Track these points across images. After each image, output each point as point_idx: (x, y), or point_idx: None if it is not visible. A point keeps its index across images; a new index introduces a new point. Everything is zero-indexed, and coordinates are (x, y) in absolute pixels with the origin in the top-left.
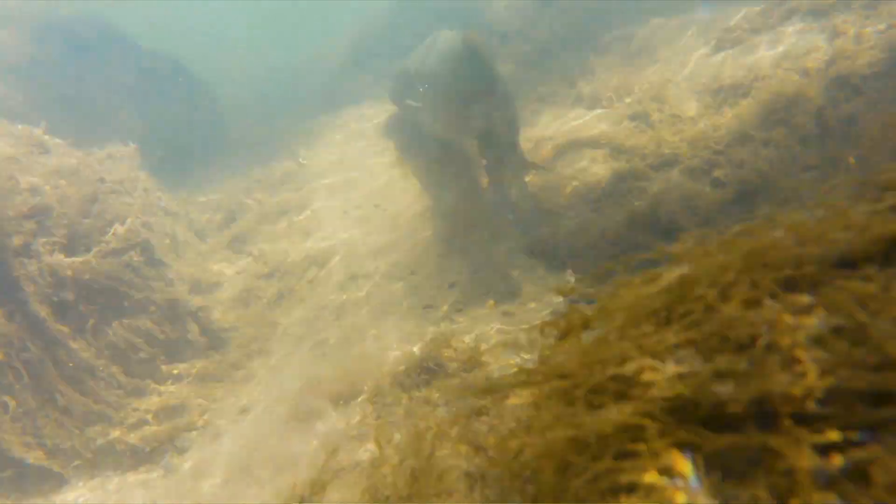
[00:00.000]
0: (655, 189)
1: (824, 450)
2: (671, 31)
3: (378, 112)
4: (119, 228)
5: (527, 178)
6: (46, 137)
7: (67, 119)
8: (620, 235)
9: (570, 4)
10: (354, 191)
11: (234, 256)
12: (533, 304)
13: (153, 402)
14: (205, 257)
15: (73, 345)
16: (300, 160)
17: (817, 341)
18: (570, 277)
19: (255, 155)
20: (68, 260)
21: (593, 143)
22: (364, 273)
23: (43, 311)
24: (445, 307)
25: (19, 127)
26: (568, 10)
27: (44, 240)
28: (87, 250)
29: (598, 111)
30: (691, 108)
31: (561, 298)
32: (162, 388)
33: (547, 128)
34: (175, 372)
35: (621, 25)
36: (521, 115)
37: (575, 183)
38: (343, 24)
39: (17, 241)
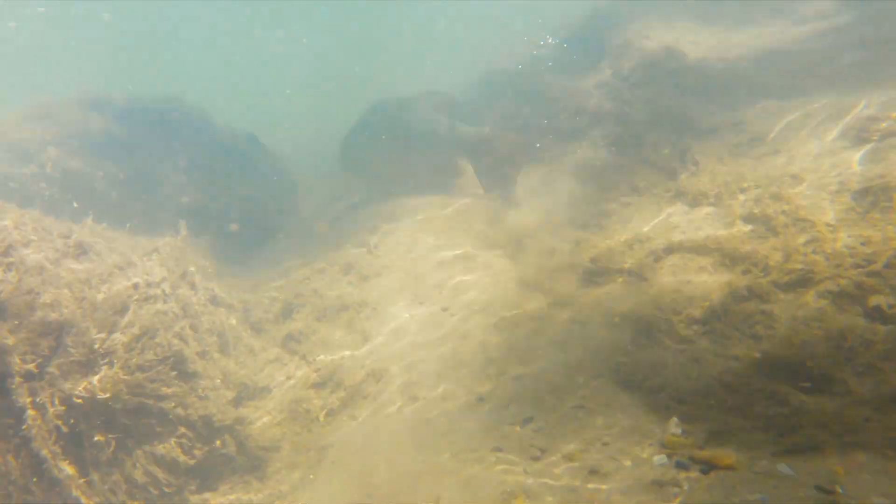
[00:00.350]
0: (786, 316)
1: None
2: (792, 116)
3: (455, 201)
4: (148, 343)
5: (614, 287)
6: (87, 235)
7: (139, 196)
8: (746, 380)
9: (668, 84)
10: (421, 288)
11: (286, 357)
12: (628, 463)
13: None
14: (256, 356)
15: (76, 491)
16: (371, 248)
17: None
18: (677, 429)
19: (322, 237)
20: (85, 381)
21: (699, 248)
22: (425, 395)
23: (46, 449)
24: (518, 452)
25: (58, 225)
26: (665, 90)
27: (60, 360)
28: (110, 367)
29: (705, 209)
30: (826, 212)
31: (665, 456)
32: None
33: (642, 226)
34: None
35: (729, 108)
36: (611, 208)
37: (678, 297)
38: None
39: (28, 364)
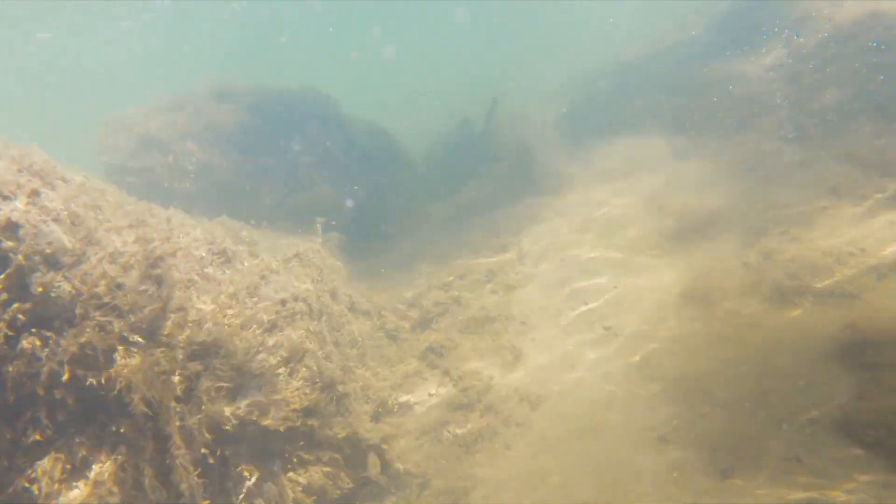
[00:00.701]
0: None
1: None
2: None
3: (611, 198)
4: (297, 367)
5: (820, 309)
6: (230, 241)
7: (269, 188)
8: None
9: (869, 61)
10: (579, 302)
11: (427, 371)
12: None
13: None
14: (394, 367)
15: None
16: (520, 256)
17: None
18: None
19: (456, 238)
20: (233, 406)
21: None
22: (593, 426)
23: (186, 483)
24: None
25: (201, 229)
26: (866, 68)
27: (208, 384)
28: (258, 391)
29: None
30: None
31: None
32: None
33: (849, 235)
34: None
35: None
36: (799, 212)
37: None
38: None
39: (178, 386)
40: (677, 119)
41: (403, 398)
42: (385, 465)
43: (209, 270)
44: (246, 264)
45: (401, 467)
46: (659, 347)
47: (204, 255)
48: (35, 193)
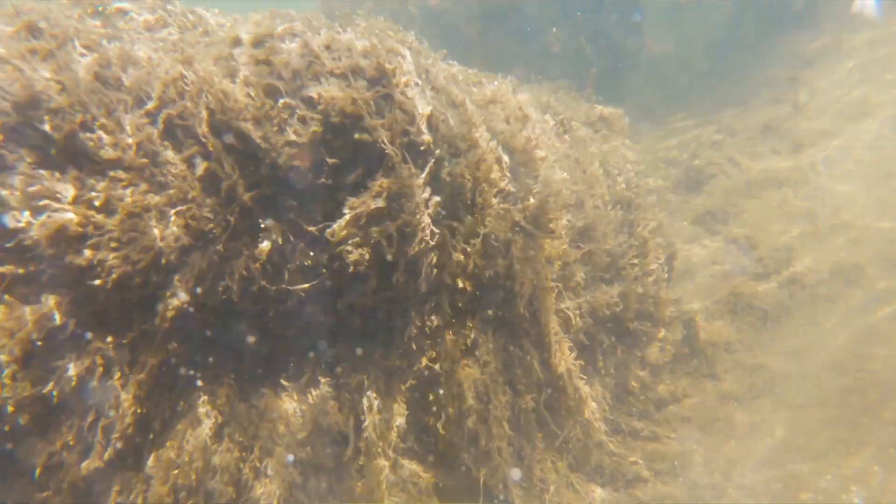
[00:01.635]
0: None
1: None
2: None
3: None
4: (654, 248)
5: None
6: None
7: (497, 33)
8: None
9: None
10: (888, 162)
11: (706, 237)
12: None
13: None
14: (664, 232)
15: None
16: (799, 107)
17: None
18: None
19: (711, 86)
20: (604, 295)
21: None
22: None
23: (564, 366)
24: None
25: (528, 97)
26: None
27: (587, 267)
28: (618, 277)
29: None
30: None
31: None
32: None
33: None
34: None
35: None
36: None
37: None
38: None
39: (558, 273)
40: None
41: (682, 266)
42: (687, 337)
43: (558, 145)
44: (572, 136)
45: (705, 340)
46: None
47: (550, 127)
48: (426, 72)
